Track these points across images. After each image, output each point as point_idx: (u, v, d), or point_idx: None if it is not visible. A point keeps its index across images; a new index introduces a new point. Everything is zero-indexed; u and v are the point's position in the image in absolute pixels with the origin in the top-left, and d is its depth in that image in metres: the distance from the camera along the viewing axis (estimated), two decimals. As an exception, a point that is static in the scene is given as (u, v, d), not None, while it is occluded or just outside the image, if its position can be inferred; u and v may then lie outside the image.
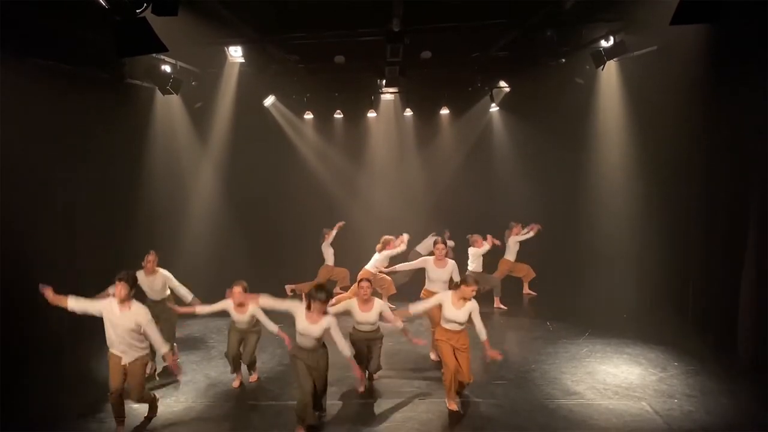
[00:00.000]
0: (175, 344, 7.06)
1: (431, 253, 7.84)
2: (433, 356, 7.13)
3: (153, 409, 5.57)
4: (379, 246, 8.72)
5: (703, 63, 7.00)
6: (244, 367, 6.45)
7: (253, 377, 6.53)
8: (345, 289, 9.77)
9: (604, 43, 8.28)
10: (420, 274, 7.26)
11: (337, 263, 10.42)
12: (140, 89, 9.10)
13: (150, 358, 6.16)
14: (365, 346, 6.08)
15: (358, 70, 10.01)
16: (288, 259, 11.68)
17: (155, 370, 6.73)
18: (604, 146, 10.23)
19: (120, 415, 5.22)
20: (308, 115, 12.47)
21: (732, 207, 6.84)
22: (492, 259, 9.76)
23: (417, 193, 12.93)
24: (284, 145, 12.73)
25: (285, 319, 5.64)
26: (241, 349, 6.32)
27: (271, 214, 12.37)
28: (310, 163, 13.05)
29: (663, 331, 7.78)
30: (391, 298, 9.45)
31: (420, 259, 7.41)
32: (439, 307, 5.76)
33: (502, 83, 11.65)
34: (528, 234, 9.89)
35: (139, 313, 5.06)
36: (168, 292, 6.89)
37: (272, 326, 6.04)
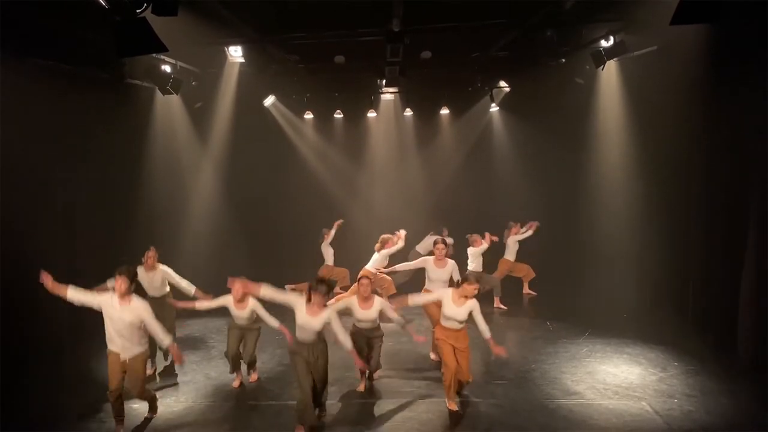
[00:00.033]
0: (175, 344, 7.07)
1: (431, 253, 7.84)
2: (433, 356, 7.13)
3: (153, 408, 5.57)
4: (377, 246, 8.72)
5: (703, 63, 7.00)
6: (244, 367, 6.45)
7: (253, 377, 6.52)
8: (345, 289, 9.77)
9: (604, 43, 8.28)
10: (420, 274, 7.26)
11: (337, 263, 10.43)
12: (140, 89, 9.10)
13: (150, 357, 6.17)
14: (365, 344, 6.07)
15: (358, 70, 10.01)
16: (288, 259, 11.68)
17: (155, 371, 6.73)
18: (604, 146, 10.23)
19: (119, 414, 5.20)
20: (308, 115, 12.47)
21: (732, 207, 6.84)
22: (492, 259, 9.76)
23: (417, 193, 12.93)
24: (284, 145, 12.73)
25: (285, 316, 5.65)
26: (241, 348, 6.32)
27: (271, 214, 12.37)
28: (310, 163, 13.05)
29: (663, 331, 7.79)
30: (390, 298, 9.45)
31: (420, 258, 7.41)
32: (439, 305, 5.77)
33: (502, 83, 11.66)
34: (527, 232, 9.90)
35: (139, 307, 5.04)
36: (167, 289, 6.88)
37: (273, 321, 6.04)
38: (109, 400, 5.16)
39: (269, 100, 11.81)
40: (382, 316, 6.05)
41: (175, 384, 6.43)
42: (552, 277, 10.54)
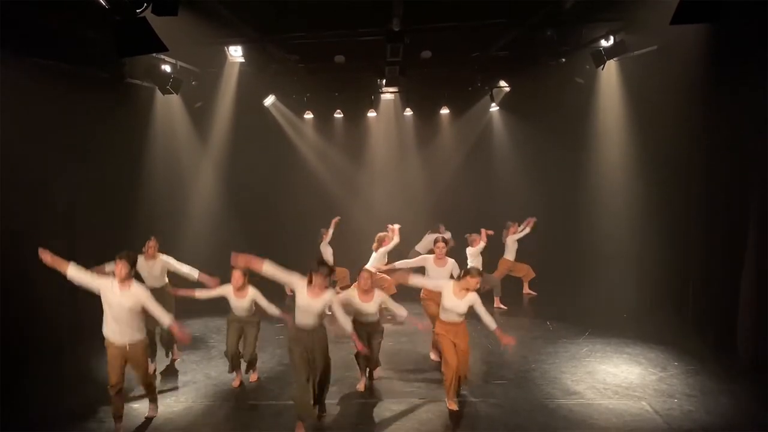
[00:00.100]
0: (175, 344, 7.07)
1: (431, 252, 7.84)
2: (433, 356, 7.13)
3: (153, 399, 5.56)
4: (375, 245, 8.72)
5: (703, 63, 7.00)
6: (244, 367, 6.43)
7: (253, 377, 6.52)
8: (345, 288, 9.76)
9: (604, 43, 8.29)
10: (419, 273, 7.25)
11: (336, 263, 10.40)
12: (140, 89, 9.10)
13: (150, 355, 6.17)
14: (365, 338, 6.01)
15: (358, 69, 10.01)
16: (288, 259, 11.46)
17: (155, 370, 6.73)
18: (604, 146, 10.23)
19: (118, 411, 5.18)
20: (308, 115, 12.47)
21: (732, 207, 6.84)
22: (492, 258, 9.76)
23: (417, 193, 12.93)
24: (284, 144, 12.74)
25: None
26: (240, 347, 6.28)
27: (271, 214, 12.37)
28: (310, 163, 13.05)
29: (663, 331, 7.79)
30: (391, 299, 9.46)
31: (420, 257, 7.41)
32: (438, 302, 5.77)
33: (502, 83, 11.66)
34: (525, 230, 9.89)
35: (139, 292, 5.02)
36: (166, 280, 6.87)
37: (273, 309, 6.03)
38: (110, 395, 5.12)
39: (269, 100, 11.81)
40: (382, 312, 6.05)
41: (176, 384, 6.43)
42: (552, 277, 10.53)
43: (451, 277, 6.67)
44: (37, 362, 6.84)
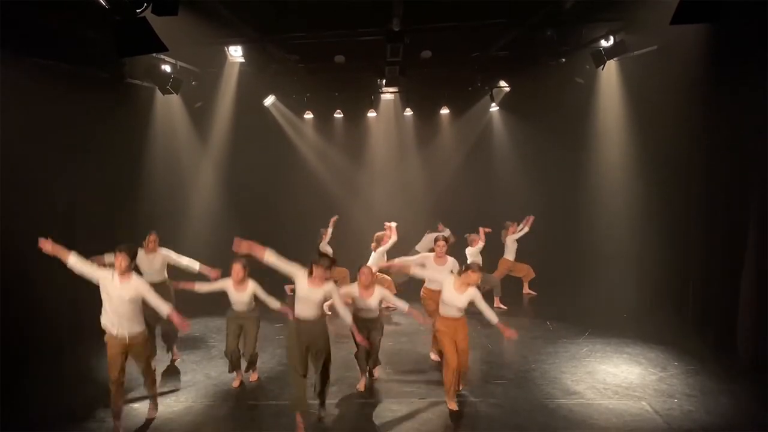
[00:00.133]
0: (175, 345, 7.07)
1: (431, 251, 7.84)
2: (433, 356, 7.13)
3: (153, 398, 5.57)
4: (373, 245, 8.73)
5: (703, 63, 7.00)
6: (244, 366, 6.42)
7: (253, 377, 6.51)
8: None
9: (604, 43, 8.29)
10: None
11: (336, 263, 10.39)
12: (140, 89, 9.09)
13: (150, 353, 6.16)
14: (365, 334, 6.00)
15: (358, 69, 10.01)
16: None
17: (155, 369, 6.71)
18: (604, 146, 10.23)
19: (118, 407, 5.18)
20: (308, 115, 12.47)
21: (732, 207, 6.84)
22: (492, 258, 9.76)
23: (417, 193, 12.93)
24: (284, 144, 12.73)
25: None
26: (240, 345, 6.26)
27: (270, 214, 12.36)
28: (310, 163, 13.05)
29: (663, 331, 7.78)
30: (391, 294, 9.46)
31: (420, 255, 7.40)
32: (437, 300, 5.77)
33: (502, 83, 11.66)
34: (523, 229, 9.89)
35: (138, 284, 5.05)
36: (165, 275, 6.88)
37: (274, 302, 6.03)
38: (110, 391, 5.13)
39: (269, 100, 11.81)
40: (382, 312, 6.05)
41: (176, 384, 6.43)
42: (552, 277, 10.53)
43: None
44: (37, 362, 6.83)
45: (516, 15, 7.28)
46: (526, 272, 10.31)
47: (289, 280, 10.07)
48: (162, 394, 5.99)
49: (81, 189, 7.91)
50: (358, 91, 11.75)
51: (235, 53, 8.82)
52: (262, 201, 12.30)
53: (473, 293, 5.51)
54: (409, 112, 12.51)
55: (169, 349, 7.05)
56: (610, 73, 9.32)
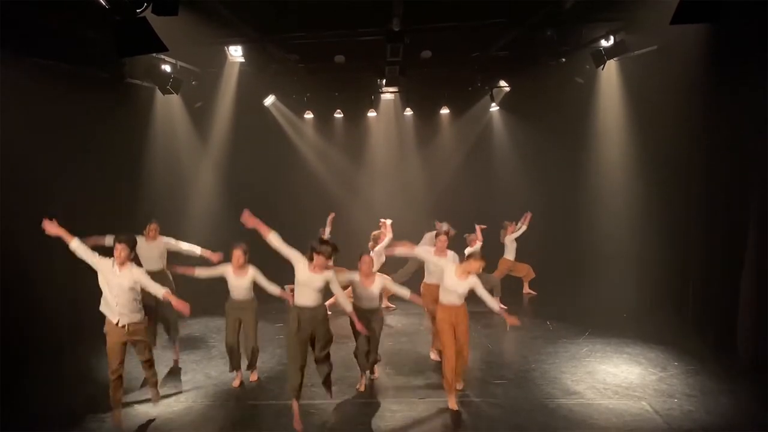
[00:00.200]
0: (176, 344, 7.06)
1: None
2: (433, 356, 7.13)
3: (154, 385, 5.62)
4: (371, 244, 8.72)
5: (703, 63, 7.00)
6: (244, 366, 6.42)
7: (253, 377, 6.51)
8: (344, 288, 9.75)
9: (604, 43, 8.29)
10: (419, 272, 7.25)
11: (336, 263, 10.38)
12: (140, 89, 9.09)
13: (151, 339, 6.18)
14: (365, 323, 5.90)
15: (358, 69, 10.01)
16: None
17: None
18: (604, 146, 10.23)
19: (117, 400, 5.21)
20: (308, 115, 12.48)
21: (732, 207, 6.84)
22: (492, 258, 9.74)
23: (417, 193, 12.92)
24: (284, 144, 12.73)
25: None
26: (240, 340, 6.23)
27: (270, 213, 12.26)
28: (310, 163, 13.05)
29: (663, 331, 7.78)
30: (391, 298, 9.46)
31: (420, 248, 7.37)
32: (436, 299, 5.76)
33: (502, 83, 11.66)
34: (522, 228, 9.87)
35: (136, 271, 5.14)
36: (164, 263, 6.90)
37: (273, 288, 6.02)
38: (111, 383, 5.17)
39: (269, 100, 11.81)
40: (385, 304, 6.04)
41: (176, 383, 6.42)
42: (552, 277, 10.53)
43: None
44: (37, 362, 6.83)
45: (516, 15, 7.28)
46: (526, 272, 10.30)
47: (290, 281, 10.10)
48: (162, 395, 5.99)
49: (81, 189, 7.91)
50: (358, 91, 11.75)
51: (235, 53, 8.82)
52: (262, 201, 12.26)
53: (474, 281, 5.52)
54: (409, 112, 12.51)
55: (172, 339, 6.99)
56: (610, 73, 9.32)
